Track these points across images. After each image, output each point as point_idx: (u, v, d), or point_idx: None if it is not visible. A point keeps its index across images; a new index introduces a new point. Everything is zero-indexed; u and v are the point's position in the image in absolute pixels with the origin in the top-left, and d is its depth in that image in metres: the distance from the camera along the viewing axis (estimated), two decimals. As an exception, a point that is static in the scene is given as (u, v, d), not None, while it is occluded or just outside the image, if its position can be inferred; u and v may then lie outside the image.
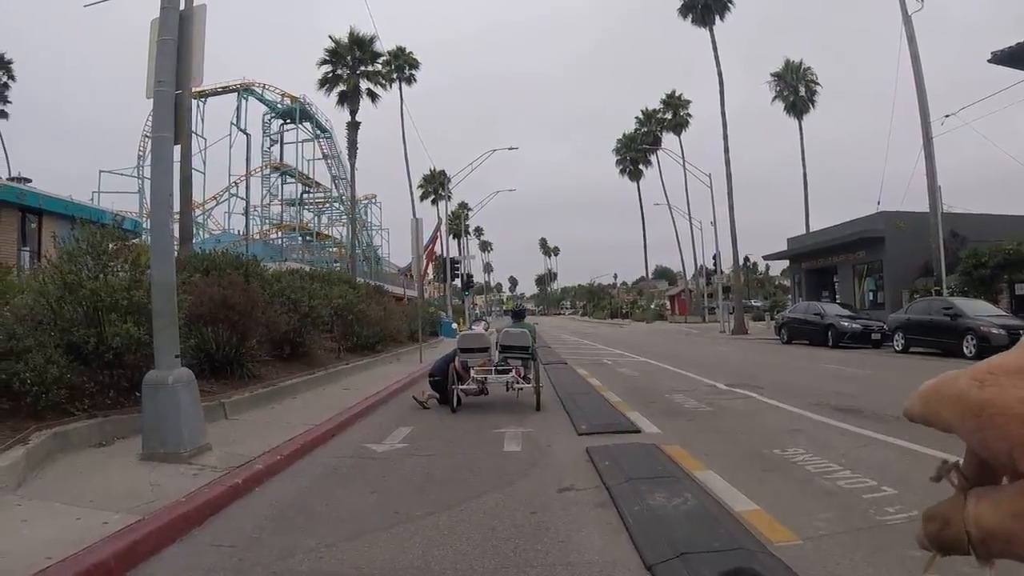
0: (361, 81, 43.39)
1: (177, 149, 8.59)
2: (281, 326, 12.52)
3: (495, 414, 10.48)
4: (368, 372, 16.41)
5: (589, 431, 8.77)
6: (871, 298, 36.07)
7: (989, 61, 24.18)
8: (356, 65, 43.02)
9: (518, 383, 10.99)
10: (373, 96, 44.49)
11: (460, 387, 10.99)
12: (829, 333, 26.03)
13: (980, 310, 20.86)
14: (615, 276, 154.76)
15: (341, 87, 43.04)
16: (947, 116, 26.39)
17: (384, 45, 51.45)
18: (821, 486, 5.95)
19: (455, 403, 10.85)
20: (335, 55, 42.81)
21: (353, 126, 43.68)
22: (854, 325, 25.69)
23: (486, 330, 12.04)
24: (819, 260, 40.77)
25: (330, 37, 42.91)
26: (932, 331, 21.40)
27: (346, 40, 42.72)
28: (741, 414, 10.14)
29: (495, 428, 9.20)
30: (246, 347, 11.29)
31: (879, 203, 32.76)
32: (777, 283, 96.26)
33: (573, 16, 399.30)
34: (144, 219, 54.84)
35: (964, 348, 19.52)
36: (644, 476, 6.14)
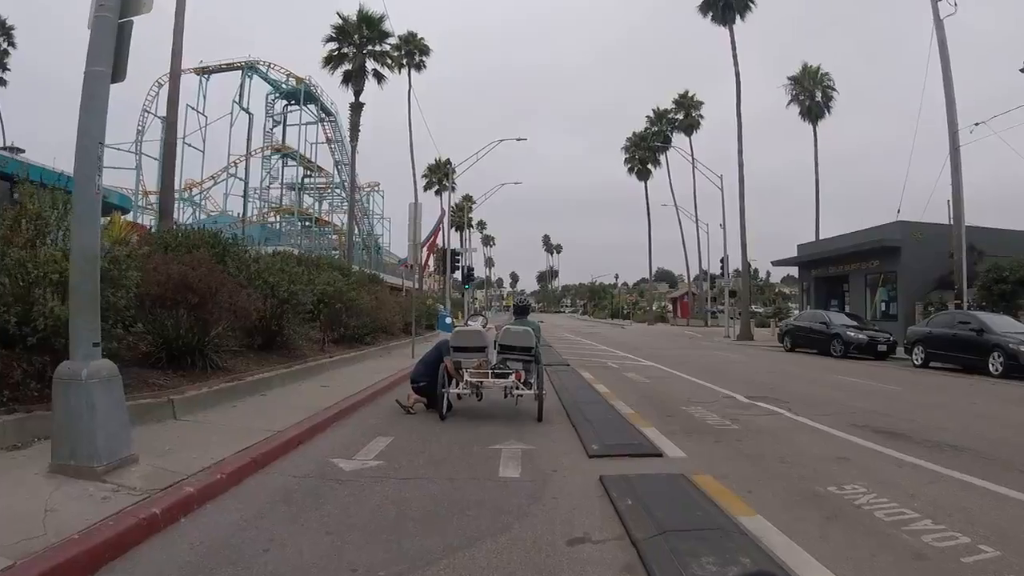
0: (367, 61, 41.73)
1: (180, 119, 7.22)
2: (251, 312, 11.07)
3: (490, 424, 9.12)
4: (353, 367, 15.06)
5: (601, 452, 7.38)
6: (883, 309, 34.83)
7: (1021, 70, 23.20)
8: (363, 44, 41.40)
9: (518, 388, 9.63)
10: (379, 77, 42.90)
11: (452, 391, 9.65)
12: (835, 343, 25.56)
13: (1007, 326, 19.57)
14: (616, 276, 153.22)
15: (346, 66, 41.41)
16: (976, 124, 25.06)
17: (401, 30, 50.54)
18: (904, 544, 4.60)
19: (444, 409, 9.47)
20: (342, 32, 41.18)
21: (356, 107, 42.09)
22: (860, 336, 25.21)
23: (484, 327, 10.64)
24: (830, 268, 39.58)
25: (338, 14, 41.35)
26: (955, 346, 20.21)
27: (354, 18, 41.18)
28: (773, 435, 8.76)
29: (490, 443, 7.81)
30: (209, 335, 9.96)
31: (899, 211, 31.50)
32: (777, 290, 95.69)
33: (597, 11, 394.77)
34: (141, 195, 54.06)
35: (990, 365, 18.26)
36: (681, 527, 4.71)
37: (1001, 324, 19.64)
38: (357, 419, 9.48)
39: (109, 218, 15.87)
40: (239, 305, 10.46)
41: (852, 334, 25.29)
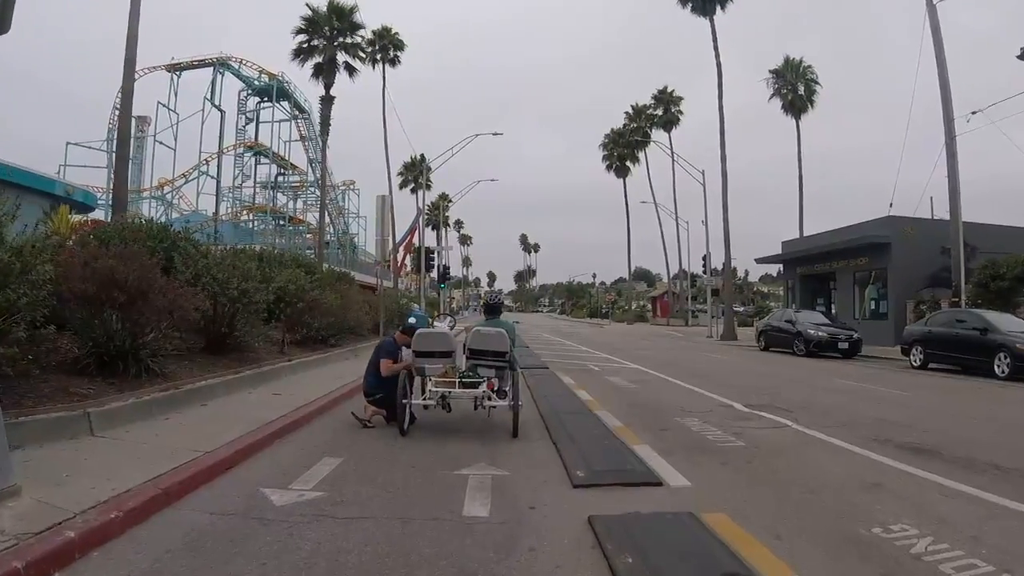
0: (339, 53, 40.43)
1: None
2: (191, 312, 9.79)
3: (458, 442, 7.95)
4: (313, 371, 13.82)
5: (589, 481, 6.13)
6: (873, 307, 33.89)
7: (1018, 57, 22.46)
8: (334, 36, 40.05)
9: (490, 399, 8.46)
10: (351, 70, 41.63)
11: (416, 402, 8.47)
12: (796, 341, 25.95)
13: (1012, 325, 18.54)
14: (594, 276, 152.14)
15: (316, 58, 40.09)
16: (973, 113, 24.14)
17: (388, 25, 49.51)
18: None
19: (406, 423, 8.28)
20: (312, 24, 39.86)
21: (327, 100, 40.82)
22: (820, 333, 25.40)
23: (451, 329, 9.42)
24: (816, 265, 38.62)
25: (307, 5, 39.98)
26: (957, 346, 19.26)
27: (324, 9, 39.86)
28: (786, 454, 7.62)
29: (455, 467, 6.61)
30: (146, 337, 8.75)
31: (891, 205, 30.62)
32: (756, 289, 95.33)
33: (584, 10, 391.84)
34: (109, 193, 52.54)
35: (995, 367, 17.24)
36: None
37: (1006, 323, 18.66)
38: (305, 434, 8.26)
39: (57, 211, 14.67)
40: (177, 304, 9.21)
41: (812, 332, 25.41)
